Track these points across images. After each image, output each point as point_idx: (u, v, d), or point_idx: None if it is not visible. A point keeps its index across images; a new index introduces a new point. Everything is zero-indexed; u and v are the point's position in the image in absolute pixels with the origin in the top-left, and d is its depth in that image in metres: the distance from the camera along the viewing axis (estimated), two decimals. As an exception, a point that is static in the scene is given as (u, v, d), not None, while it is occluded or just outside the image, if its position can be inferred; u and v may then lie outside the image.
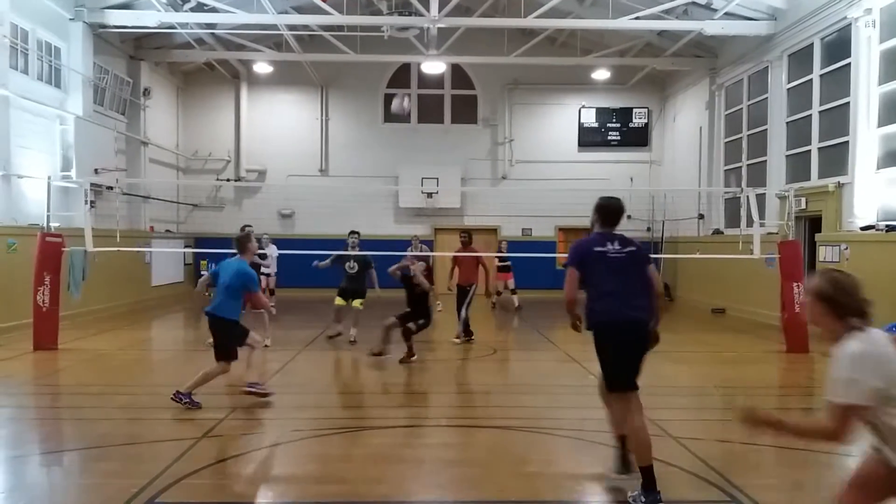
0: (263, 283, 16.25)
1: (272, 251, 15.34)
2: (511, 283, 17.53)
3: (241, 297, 7.62)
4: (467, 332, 11.99)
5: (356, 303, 11.87)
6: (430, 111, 23.12)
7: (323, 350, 11.40)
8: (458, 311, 12.06)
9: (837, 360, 3.05)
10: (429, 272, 10.45)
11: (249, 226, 12.94)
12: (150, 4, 15.92)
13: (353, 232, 12.44)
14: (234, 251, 7.84)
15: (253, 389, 7.59)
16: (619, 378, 5.18)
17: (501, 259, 16.95)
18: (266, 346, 9.95)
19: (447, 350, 11.37)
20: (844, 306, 3.19)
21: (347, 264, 12.01)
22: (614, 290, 5.04)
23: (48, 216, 11.69)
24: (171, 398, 7.16)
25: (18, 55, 14.15)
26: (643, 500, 4.77)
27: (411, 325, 10.02)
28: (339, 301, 11.98)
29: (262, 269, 15.83)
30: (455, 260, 12.79)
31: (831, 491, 5.19)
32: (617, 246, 5.20)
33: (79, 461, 5.89)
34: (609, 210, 5.46)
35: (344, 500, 4.91)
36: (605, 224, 5.39)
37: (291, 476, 5.49)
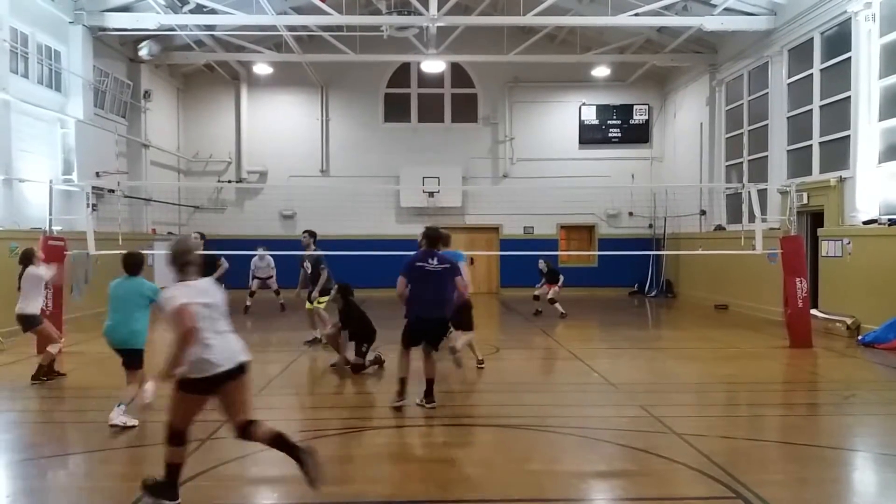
0: (255, 286, 16.96)
1: (265, 262, 16.71)
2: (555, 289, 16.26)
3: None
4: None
5: (313, 304, 11.65)
6: (430, 110, 23.11)
7: (325, 351, 11.39)
8: None
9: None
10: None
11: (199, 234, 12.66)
12: (150, 7, 15.93)
13: (305, 231, 12.08)
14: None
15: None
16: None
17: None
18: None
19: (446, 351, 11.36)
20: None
21: (304, 265, 11.88)
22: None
23: (50, 220, 11.71)
24: None
25: (18, 59, 14.16)
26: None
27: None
28: (307, 305, 11.88)
29: (258, 274, 16.58)
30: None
31: (835, 486, 5.20)
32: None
33: (83, 464, 5.90)
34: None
35: (347, 501, 4.91)
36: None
37: (294, 477, 5.48)
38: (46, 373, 8.83)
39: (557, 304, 15.74)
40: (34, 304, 8.91)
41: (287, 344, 11.83)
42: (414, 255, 7.57)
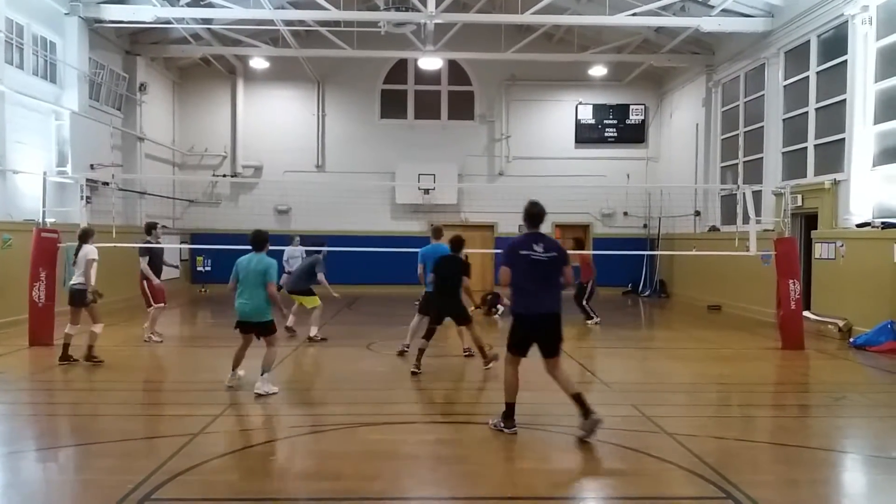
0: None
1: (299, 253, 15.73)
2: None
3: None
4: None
5: (300, 301, 11.98)
6: (427, 107, 23.09)
7: (319, 347, 11.39)
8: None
9: None
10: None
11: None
12: (146, -1, 15.88)
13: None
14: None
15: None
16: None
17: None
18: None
19: (442, 347, 11.37)
20: None
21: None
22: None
23: (44, 212, 11.67)
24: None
25: (14, 50, 14.09)
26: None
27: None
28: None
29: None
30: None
31: (825, 487, 5.22)
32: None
33: (75, 457, 5.89)
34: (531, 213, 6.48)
35: (340, 497, 4.91)
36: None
37: (287, 472, 5.50)
38: (89, 356, 9.39)
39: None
40: (84, 279, 9.46)
41: (282, 339, 11.79)
42: (516, 241, 6.37)
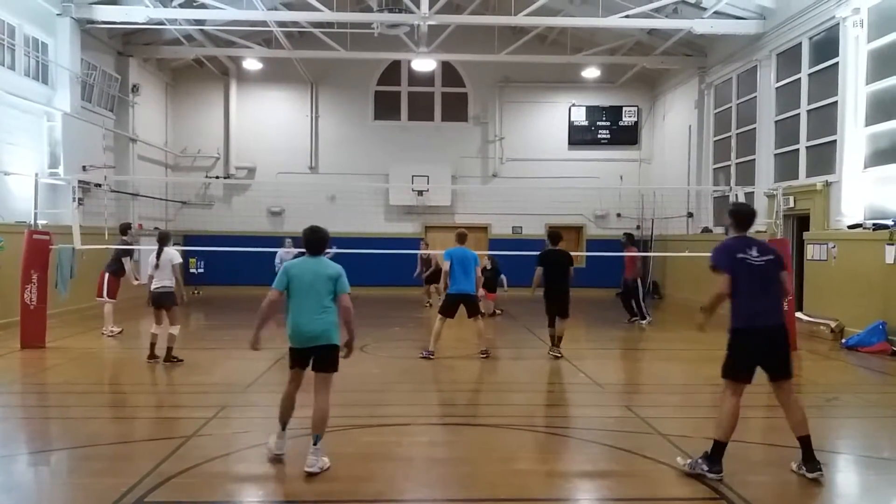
0: None
1: (294, 251, 15.86)
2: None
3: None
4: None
5: None
6: (420, 109, 23.09)
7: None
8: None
9: None
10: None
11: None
12: (139, 0, 15.81)
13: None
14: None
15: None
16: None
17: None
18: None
19: (438, 348, 11.37)
20: None
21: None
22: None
23: (35, 213, 11.60)
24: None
25: (5, 51, 14.03)
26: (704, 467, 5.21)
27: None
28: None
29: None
30: None
31: (818, 488, 5.24)
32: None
33: (67, 460, 5.85)
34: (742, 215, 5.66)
35: (334, 499, 4.90)
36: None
37: (281, 475, 5.48)
38: (169, 356, 9.60)
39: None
40: (170, 282, 9.69)
41: (275, 340, 11.75)
42: (728, 244, 5.46)
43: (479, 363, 10.06)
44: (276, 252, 16.23)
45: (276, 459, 5.53)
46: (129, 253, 12.53)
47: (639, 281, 15.07)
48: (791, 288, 5.57)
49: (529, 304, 17.14)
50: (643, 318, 14.88)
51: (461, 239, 10.93)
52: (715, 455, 5.20)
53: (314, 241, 5.82)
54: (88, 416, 7.01)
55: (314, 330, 5.46)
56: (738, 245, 5.37)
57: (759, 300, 5.27)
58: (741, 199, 12.70)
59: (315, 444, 5.30)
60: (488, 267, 15.96)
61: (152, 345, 9.72)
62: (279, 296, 5.58)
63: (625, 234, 16.50)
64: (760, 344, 5.28)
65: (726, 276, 5.28)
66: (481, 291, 15.47)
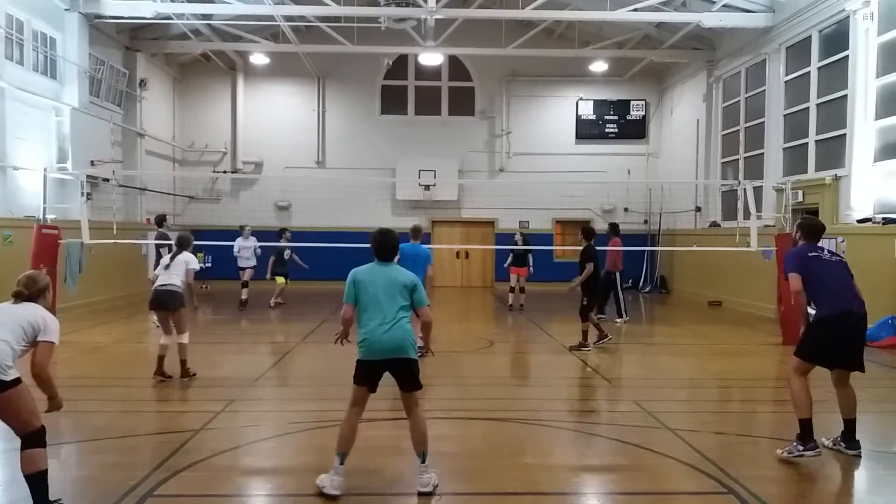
0: (246, 276, 16.12)
1: (251, 243, 16.06)
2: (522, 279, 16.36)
3: None
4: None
5: (281, 280, 16.14)
6: (427, 103, 23.06)
7: (320, 342, 11.40)
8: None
9: None
10: None
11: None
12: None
13: (284, 229, 16.81)
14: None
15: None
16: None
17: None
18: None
19: (444, 342, 11.38)
20: None
21: (284, 253, 16.15)
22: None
23: (44, 208, 11.67)
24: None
25: (14, 46, 14.07)
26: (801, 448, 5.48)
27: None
28: (279, 280, 16.21)
29: (239, 262, 15.92)
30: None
31: (826, 482, 5.22)
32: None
33: (76, 454, 5.89)
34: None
35: (343, 492, 4.91)
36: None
37: (289, 468, 5.50)
38: (184, 372, 8.46)
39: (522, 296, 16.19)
40: (178, 281, 8.62)
41: (284, 334, 11.82)
42: (797, 249, 5.97)
43: (485, 358, 10.06)
44: (274, 245, 16.18)
45: (331, 498, 4.72)
46: (167, 245, 12.02)
47: (617, 275, 14.46)
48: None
49: (539, 299, 17.18)
50: (620, 314, 14.18)
51: (415, 234, 10.20)
52: (805, 434, 5.50)
53: (386, 246, 5.26)
54: (97, 410, 7.05)
55: (390, 341, 4.93)
56: (808, 248, 5.91)
57: (845, 287, 5.69)
58: (749, 192, 12.60)
59: (423, 461, 4.89)
60: (520, 244, 16.24)
61: (160, 358, 8.45)
62: (352, 310, 5.07)
63: (610, 224, 15.87)
64: (846, 330, 5.58)
65: (797, 275, 5.67)
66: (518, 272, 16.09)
